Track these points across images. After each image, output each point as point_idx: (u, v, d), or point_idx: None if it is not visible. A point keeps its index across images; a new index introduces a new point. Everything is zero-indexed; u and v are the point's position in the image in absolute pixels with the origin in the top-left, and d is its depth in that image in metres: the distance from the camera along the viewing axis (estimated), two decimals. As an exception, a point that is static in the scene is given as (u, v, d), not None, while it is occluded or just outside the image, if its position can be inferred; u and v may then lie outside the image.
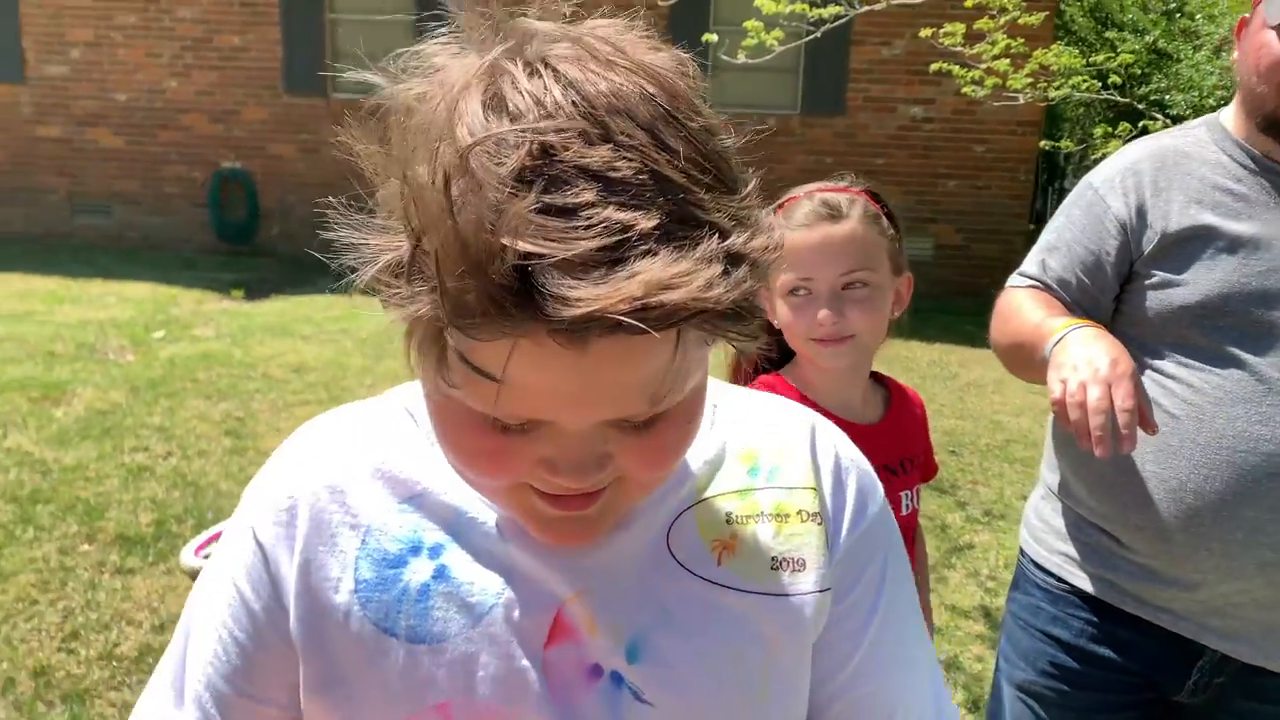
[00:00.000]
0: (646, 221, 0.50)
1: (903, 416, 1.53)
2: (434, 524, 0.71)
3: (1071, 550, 1.53)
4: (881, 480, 0.80)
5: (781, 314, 1.45)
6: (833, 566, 0.73)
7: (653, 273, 0.49)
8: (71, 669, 2.76)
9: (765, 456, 0.75)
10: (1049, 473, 1.61)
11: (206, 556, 3.40)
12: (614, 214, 0.50)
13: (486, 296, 0.50)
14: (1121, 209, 1.45)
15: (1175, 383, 1.39)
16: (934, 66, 4.92)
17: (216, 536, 3.50)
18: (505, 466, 0.61)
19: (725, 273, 0.51)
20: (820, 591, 0.72)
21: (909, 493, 1.50)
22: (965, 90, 4.62)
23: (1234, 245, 1.37)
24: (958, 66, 4.59)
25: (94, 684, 2.70)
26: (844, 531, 0.74)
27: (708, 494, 0.73)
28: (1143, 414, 1.21)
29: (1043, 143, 6.21)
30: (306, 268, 8.93)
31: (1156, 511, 1.40)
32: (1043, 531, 1.59)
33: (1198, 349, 1.39)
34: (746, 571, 0.71)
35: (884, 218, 1.46)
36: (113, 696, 2.66)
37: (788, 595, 0.71)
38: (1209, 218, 1.39)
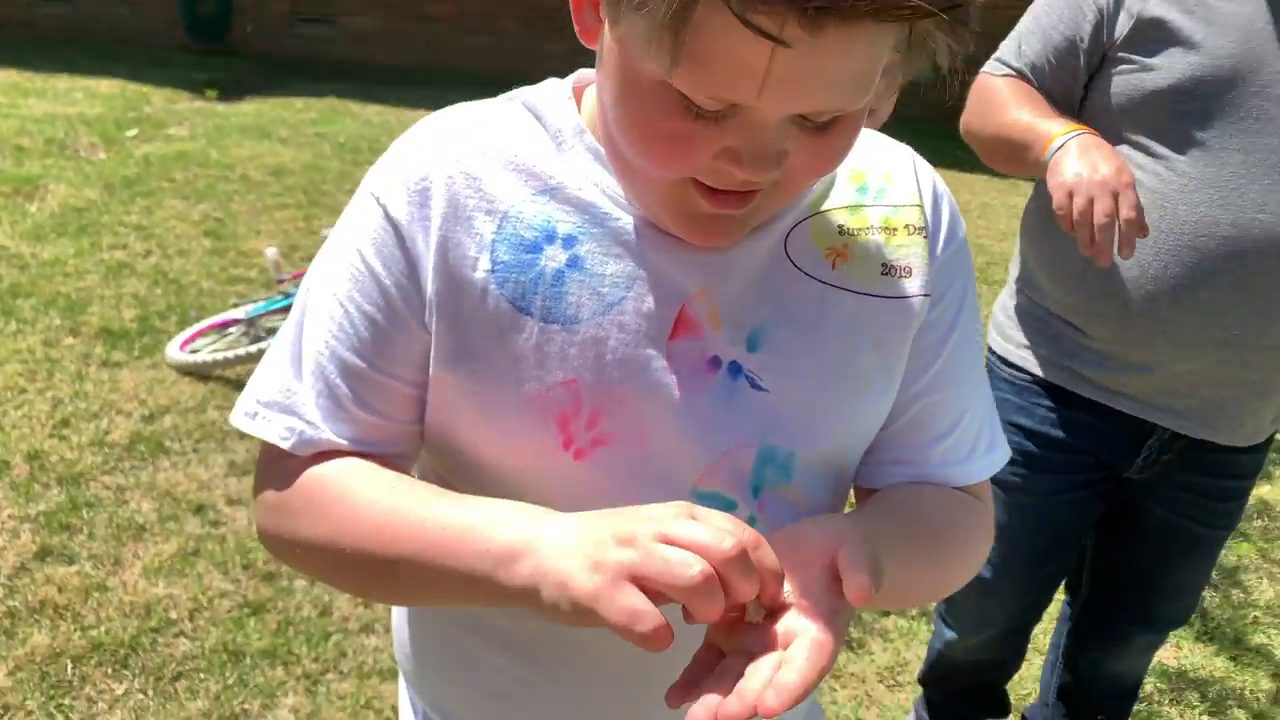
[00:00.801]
0: None
1: None
2: (568, 216, 0.74)
3: (1037, 343, 1.60)
4: None
5: None
6: (931, 276, 0.79)
7: None
8: (65, 454, 2.82)
9: (872, 178, 0.80)
10: (1017, 270, 1.67)
11: (193, 351, 3.42)
12: None
13: None
14: None
15: (1141, 172, 1.42)
16: None
17: (202, 332, 3.51)
18: (688, 154, 0.64)
19: None
20: (924, 295, 0.78)
21: None
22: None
23: (1209, 27, 1.36)
24: None
25: (87, 468, 2.77)
26: (939, 248, 0.80)
27: (822, 209, 0.78)
28: (1142, 222, 1.26)
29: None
30: (282, 69, 8.60)
31: (1119, 298, 1.46)
32: (1009, 328, 1.66)
33: (1164, 136, 1.40)
34: (859, 275, 0.77)
35: None
36: (106, 480, 2.74)
37: (896, 297, 0.77)
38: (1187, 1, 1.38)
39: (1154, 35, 1.39)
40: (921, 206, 0.80)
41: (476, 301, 0.73)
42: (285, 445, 0.76)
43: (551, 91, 0.78)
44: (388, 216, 0.74)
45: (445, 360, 0.74)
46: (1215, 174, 1.37)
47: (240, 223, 4.79)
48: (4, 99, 6.80)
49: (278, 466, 0.77)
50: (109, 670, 2.12)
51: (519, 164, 0.75)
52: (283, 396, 0.77)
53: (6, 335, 3.45)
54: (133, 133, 6.24)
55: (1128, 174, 1.28)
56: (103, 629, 2.22)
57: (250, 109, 7.24)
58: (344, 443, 0.76)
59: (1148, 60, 1.40)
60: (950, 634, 1.88)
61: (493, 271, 0.73)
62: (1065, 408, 1.58)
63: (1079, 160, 1.30)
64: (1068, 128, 1.37)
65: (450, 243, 0.73)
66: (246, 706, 2.06)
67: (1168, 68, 1.38)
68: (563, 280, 0.73)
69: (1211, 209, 1.37)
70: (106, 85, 7.46)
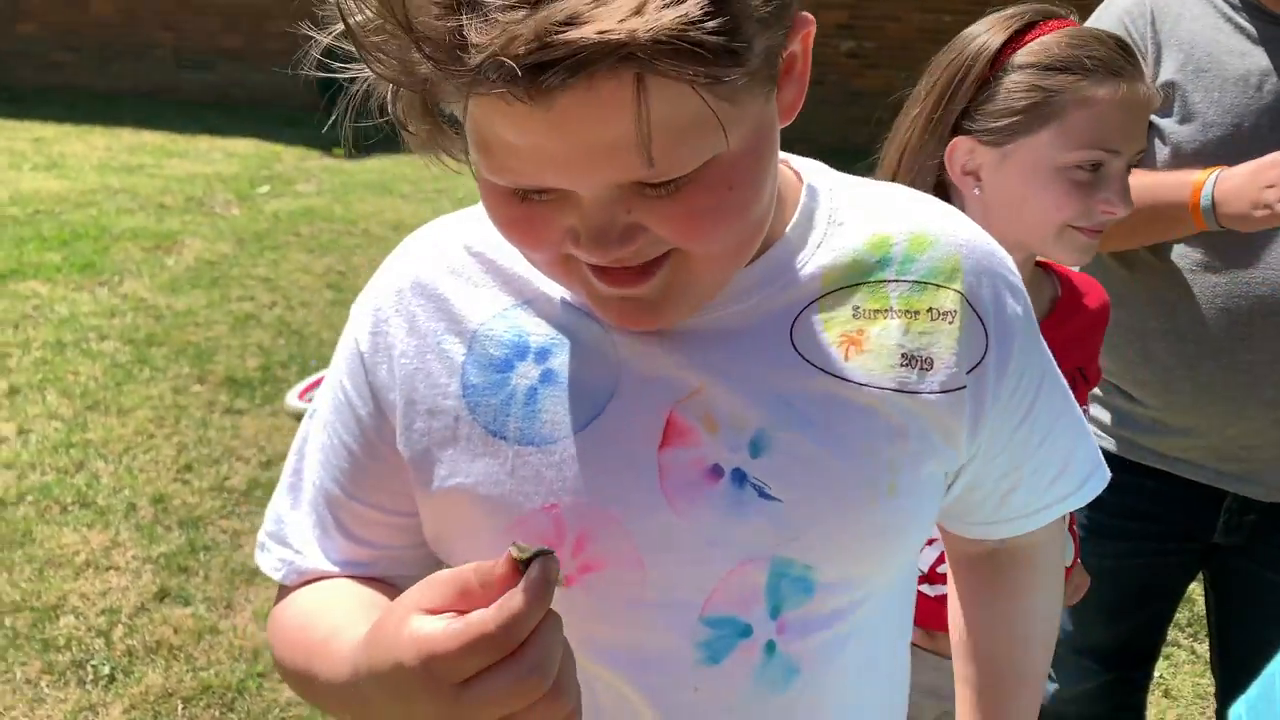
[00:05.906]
0: None
1: (1072, 316, 1.26)
2: (540, 327, 0.70)
3: (1093, 412, 1.58)
4: None
5: (1037, 193, 1.12)
6: (971, 366, 0.70)
7: (558, 8, 0.46)
8: (186, 498, 2.93)
9: (898, 244, 0.71)
10: None
11: (310, 400, 3.53)
12: None
13: (423, 53, 0.51)
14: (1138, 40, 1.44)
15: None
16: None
17: (319, 382, 3.62)
18: (537, 236, 0.61)
19: (669, 3, 0.47)
20: (954, 390, 0.69)
21: None
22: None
23: (1240, 79, 1.37)
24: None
25: (207, 512, 2.87)
26: (988, 329, 0.71)
27: (833, 287, 0.70)
28: None
29: None
30: (405, 128, 8.94)
31: (1160, 364, 1.45)
32: None
33: None
34: (874, 366, 0.69)
35: None
36: (224, 524, 2.83)
37: (913, 392, 0.69)
38: (1216, 52, 1.38)
39: (1168, 98, 1.40)
40: (961, 292, 0.70)
41: (449, 430, 0.70)
42: (277, 577, 0.76)
43: None
44: (357, 348, 0.74)
45: (426, 493, 0.72)
46: (1242, 234, 1.35)
47: (361, 276, 4.95)
48: (151, 160, 7.26)
49: (280, 598, 0.77)
50: (216, 713, 2.16)
51: (497, 276, 0.72)
52: (278, 527, 0.77)
53: (140, 382, 3.62)
54: (264, 189, 6.56)
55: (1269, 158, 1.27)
56: (212, 671, 2.27)
57: (374, 166, 7.54)
58: (333, 568, 0.74)
59: (1163, 124, 1.40)
60: (1053, 685, 1.81)
61: (464, 396, 0.70)
62: (1131, 475, 1.52)
63: (1240, 175, 1.28)
64: (1203, 171, 1.34)
65: (420, 374, 0.71)
66: (346, 757, 2.07)
67: (1179, 132, 1.39)
68: (535, 398, 0.68)
69: (1242, 269, 1.38)
70: (243, 145, 7.89)
